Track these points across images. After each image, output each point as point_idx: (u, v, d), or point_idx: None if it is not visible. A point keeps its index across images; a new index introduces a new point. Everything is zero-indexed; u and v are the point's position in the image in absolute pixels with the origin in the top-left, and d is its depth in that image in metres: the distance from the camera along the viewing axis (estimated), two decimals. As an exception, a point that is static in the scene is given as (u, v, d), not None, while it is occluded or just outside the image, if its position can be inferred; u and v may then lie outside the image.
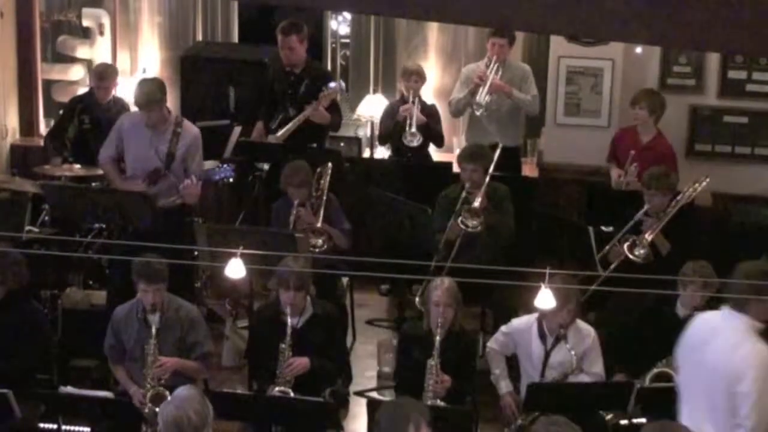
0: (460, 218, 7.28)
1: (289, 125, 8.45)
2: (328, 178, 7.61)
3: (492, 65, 8.57)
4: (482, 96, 8.52)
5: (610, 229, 7.33)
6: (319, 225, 7.38)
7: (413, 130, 8.63)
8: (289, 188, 7.46)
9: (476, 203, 7.33)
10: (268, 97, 8.74)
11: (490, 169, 7.49)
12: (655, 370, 6.31)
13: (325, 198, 7.54)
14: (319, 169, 7.65)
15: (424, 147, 8.86)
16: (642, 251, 7.13)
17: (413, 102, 8.72)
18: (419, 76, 8.84)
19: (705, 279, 6.29)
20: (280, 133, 8.47)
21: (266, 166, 8.53)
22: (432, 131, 8.84)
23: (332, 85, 8.57)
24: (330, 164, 7.70)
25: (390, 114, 8.95)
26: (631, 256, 7.12)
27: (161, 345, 6.28)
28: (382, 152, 9.34)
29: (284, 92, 8.60)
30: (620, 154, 8.41)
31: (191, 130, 7.62)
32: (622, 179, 8.24)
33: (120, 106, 8.88)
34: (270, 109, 8.69)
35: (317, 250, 7.24)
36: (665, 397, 6.15)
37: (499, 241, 7.51)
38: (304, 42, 8.51)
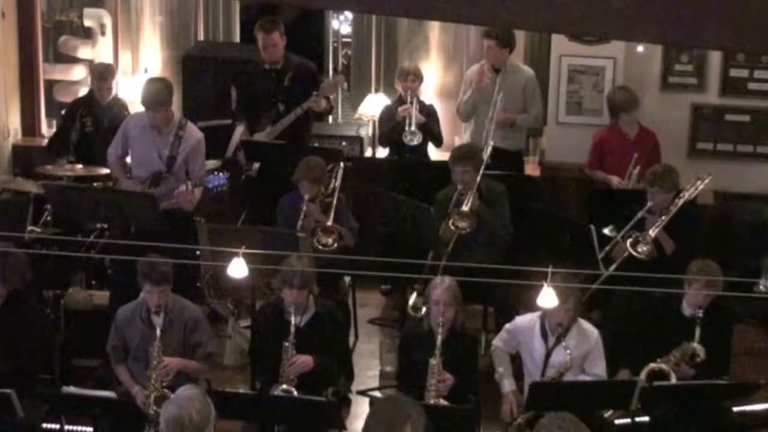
0: (451, 221, 7.28)
1: (284, 120, 8.47)
2: (340, 178, 7.59)
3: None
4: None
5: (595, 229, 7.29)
6: (329, 223, 7.34)
7: (413, 128, 8.63)
8: (304, 182, 7.37)
9: (465, 207, 7.32)
10: (248, 98, 8.77)
11: (482, 169, 7.47)
12: (652, 365, 6.31)
13: (336, 198, 7.49)
14: (330, 166, 7.63)
15: (423, 146, 8.86)
16: (645, 248, 7.11)
17: (411, 102, 8.71)
18: (416, 76, 8.82)
19: (707, 277, 6.28)
20: (270, 128, 8.50)
21: (256, 165, 8.51)
22: (431, 131, 8.84)
23: (340, 75, 8.61)
24: (342, 164, 7.69)
25: (388, 116, 8.94)
26: (634, 253, 7.10)
27: (165, 346, 6.28)
28: (384, 152, 9.34)
29: (268, 89, 8.61)
30: (609, 154, 8.35)
31: (194, 133, 7.61)
32: (624, 182, 8.19)
33: (120, 105, 8.90)
34: (254, 109, 8.70)
35: (326, 248, 7.20)
36: (663, 394, 6.18)
37: (494, 239, 7.50)
38: (283, 37, 8.58)
